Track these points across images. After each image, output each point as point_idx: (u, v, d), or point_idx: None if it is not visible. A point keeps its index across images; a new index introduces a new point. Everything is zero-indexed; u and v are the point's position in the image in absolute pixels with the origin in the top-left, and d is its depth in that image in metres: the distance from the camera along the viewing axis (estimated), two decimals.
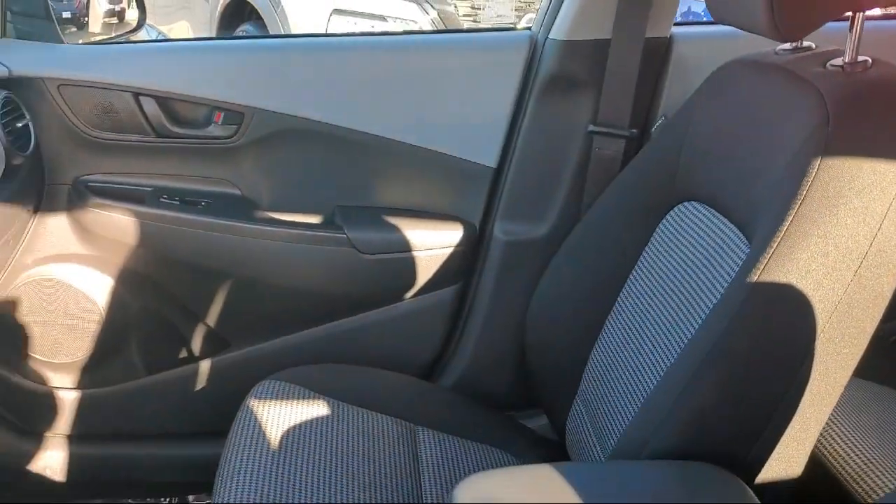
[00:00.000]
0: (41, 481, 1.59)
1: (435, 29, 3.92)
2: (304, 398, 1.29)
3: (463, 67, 1.50)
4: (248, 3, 4.46)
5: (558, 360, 1.31)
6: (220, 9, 4.70)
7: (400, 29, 3.98)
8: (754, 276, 0.87)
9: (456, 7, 4.01)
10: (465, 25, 4.00)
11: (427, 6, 4.00)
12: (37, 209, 1.45)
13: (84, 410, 1.58)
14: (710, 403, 0.89)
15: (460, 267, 1.54)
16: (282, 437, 1.20)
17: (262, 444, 1.18)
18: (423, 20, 3.98)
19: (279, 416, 1.25)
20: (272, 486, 1.11)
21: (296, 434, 1.22)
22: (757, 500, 0.83)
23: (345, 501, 1.11)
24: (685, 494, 0.84)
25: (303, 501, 1.09)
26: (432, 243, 1.51)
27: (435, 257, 1.52)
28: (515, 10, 3.95)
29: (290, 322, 1.55)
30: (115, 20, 1.93)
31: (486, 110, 1.49)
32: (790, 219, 0.87)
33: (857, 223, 0.86)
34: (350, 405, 1.30)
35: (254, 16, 4.41)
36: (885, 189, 0.86)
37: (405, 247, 1.50)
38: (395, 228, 1.50)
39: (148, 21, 5.68)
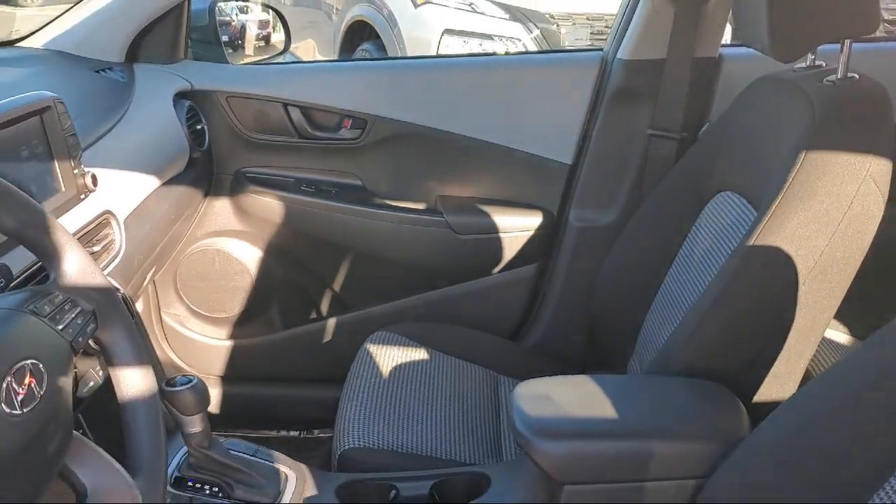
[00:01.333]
0: None
1: (538, 48, 4.16)
2: (408, 346, 1.60)
3: (546, 81, 1.79)
4: (368, 23, 4.80)
5: (618, 326, 1.57)
6: (342, 29, 5.08)
7: (506, 46, 4.21)
8: (752, 241, 1.13)
9: (558, 26, 4.23)
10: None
11: (531, 25, 4.24)
12: (207, 193, 1.83)
13: (234, 357, 1.96)
14: (715, 335, 1.15)
15: (540, 248, 1.83)
16: (389, 376, 1.52)
17: (373, 381, 1.50)
18: (527, 38, 4.20)
19: (388, 360, 1.56)
20: (381, 415, 1.41)
21: (401, 374, 1.53)
22: (743, 410, 1.09)
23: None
24: (686, 399, 1.11)
25: (405, 425, 1.40)
26: (516, 227, 1.81)
27: (518, 239, 1.81)
28: (591, 34, 4.18)
29: (398, 289, 1.87)
30: (262, 43, 2.32)
31: (564, 117, 1.77)
32: (780, 197, 1.13)
33: (831, 201, 1.10)
34: (445, 354, 1.61)
35: (373, 35, 4.73)
36: (855, 176, 1.10)
37: (494, 229, 1.80)
38: (485, 214, 1.80)
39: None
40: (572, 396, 1.10)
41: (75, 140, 1.16)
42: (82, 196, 1.16)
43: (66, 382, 0.75)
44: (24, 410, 0.68)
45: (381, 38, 4.63)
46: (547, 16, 4.24)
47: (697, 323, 1.16)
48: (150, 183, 1.46)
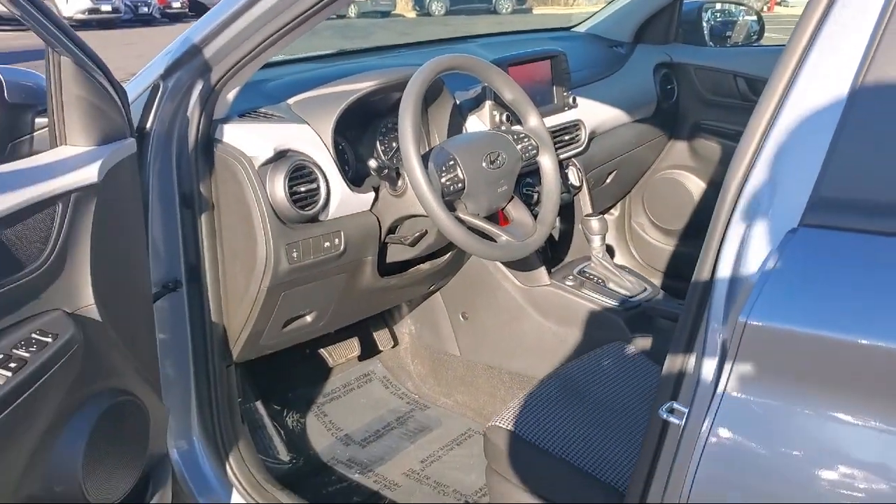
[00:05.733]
0: None
1: None
2: None
3: None
4: None
5: None
6: None
7: None
8: None
9: None
10: None
11: None
12: (670, 136, 2.57)
13: (664, 257, 2.66)
14: None
15: None
16: None
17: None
18: None
19: None
20: None
21: None
22: None
23: None
24: None
25: None
26: None
27: None
28: None
29: None
30: (755, 36, 2.93)
31: None
32: None
33: None
34: None
35: None
36: None
37: None
38: None
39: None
40: None
41: (568, 77, 2.04)
42: (566, 108, 2.03)
43: (513, 172, 1.62)
44: (493, 169, 1.57)
45: None
46: None
47: None
48: (621, 116, 2.28)
